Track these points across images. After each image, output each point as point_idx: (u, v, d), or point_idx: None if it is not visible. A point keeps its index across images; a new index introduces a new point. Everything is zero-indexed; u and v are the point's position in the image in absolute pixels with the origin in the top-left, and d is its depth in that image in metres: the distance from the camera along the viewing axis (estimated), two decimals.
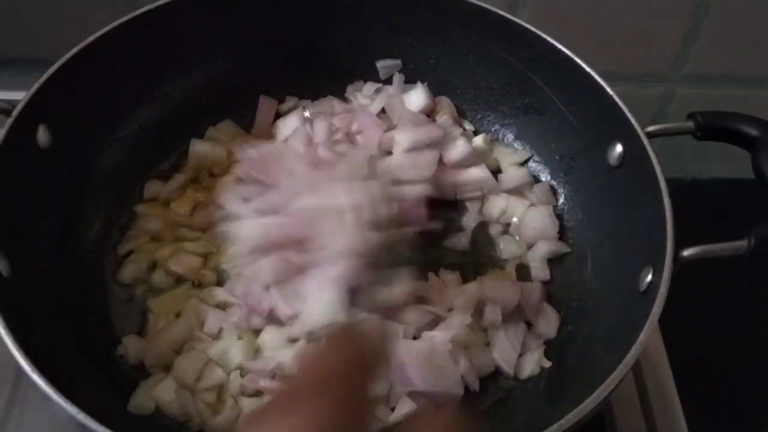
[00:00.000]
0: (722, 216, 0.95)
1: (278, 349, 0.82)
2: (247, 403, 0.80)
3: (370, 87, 1.04)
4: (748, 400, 0.99)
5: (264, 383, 0.79)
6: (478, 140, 1.00)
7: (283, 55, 1.02)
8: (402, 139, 0.95)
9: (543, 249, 0.93)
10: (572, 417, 0.65)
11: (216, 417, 0.79)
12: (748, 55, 1.16)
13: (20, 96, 0.81)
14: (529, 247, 0.94)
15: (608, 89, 0.86)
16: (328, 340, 0.53)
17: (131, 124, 0.96)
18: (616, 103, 0.85)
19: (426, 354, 0.80)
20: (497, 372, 0.85)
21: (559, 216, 0.96)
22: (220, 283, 0.88)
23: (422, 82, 1.02)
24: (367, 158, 0.84)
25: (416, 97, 1.01)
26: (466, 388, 0.81)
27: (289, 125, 1.00)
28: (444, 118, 1.00)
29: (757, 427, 0.99)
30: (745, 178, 0.82)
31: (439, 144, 0.97)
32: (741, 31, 1.12)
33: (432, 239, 0.94)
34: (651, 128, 0.84)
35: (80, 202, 0.90)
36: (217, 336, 0.84)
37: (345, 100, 1.05)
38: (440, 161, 0.95)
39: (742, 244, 0.74)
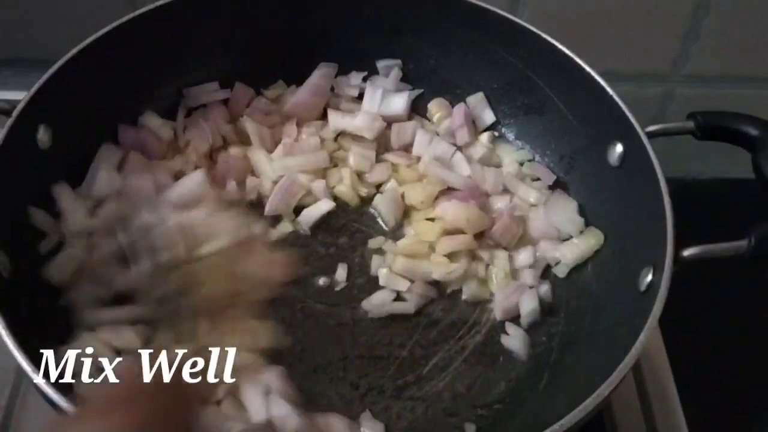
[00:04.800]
0: (722, 216, 0.94)
1: None
2: None
3: (356, 76, 1.03)
4: (748, 400, 0.99)
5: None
6: (483, 138, 1.00)
7: (283, 55, 1.02)
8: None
9: (544, 249, 0.93)
10: (572, 417, 0.65)
11: None
12: (748, 55, 1.16)
13: (20, 96, 0.81)
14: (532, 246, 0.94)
15: (608, 89, 0.86)
16: None
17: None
18: (616, 103, 0.85)
19: None
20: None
21: None
22: None
23: (414, 89, 1.02)
24: None
25: (398, 102, 1.00)
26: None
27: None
28: (444, 123, 1.00)
29: (757, 427, 0.98)
30: (745, 178, 0.82)
31: None
32: (741, 31, 1.12)
33: None
34: (651, 128, 0.84)
35: None
36: None
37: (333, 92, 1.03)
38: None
39: (742, 244, 0.74)
